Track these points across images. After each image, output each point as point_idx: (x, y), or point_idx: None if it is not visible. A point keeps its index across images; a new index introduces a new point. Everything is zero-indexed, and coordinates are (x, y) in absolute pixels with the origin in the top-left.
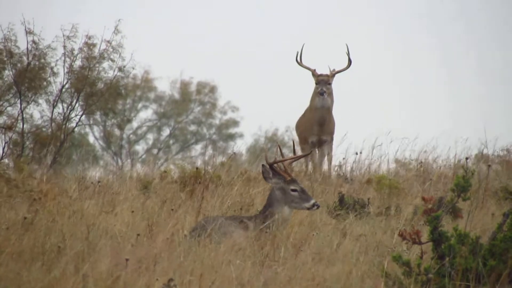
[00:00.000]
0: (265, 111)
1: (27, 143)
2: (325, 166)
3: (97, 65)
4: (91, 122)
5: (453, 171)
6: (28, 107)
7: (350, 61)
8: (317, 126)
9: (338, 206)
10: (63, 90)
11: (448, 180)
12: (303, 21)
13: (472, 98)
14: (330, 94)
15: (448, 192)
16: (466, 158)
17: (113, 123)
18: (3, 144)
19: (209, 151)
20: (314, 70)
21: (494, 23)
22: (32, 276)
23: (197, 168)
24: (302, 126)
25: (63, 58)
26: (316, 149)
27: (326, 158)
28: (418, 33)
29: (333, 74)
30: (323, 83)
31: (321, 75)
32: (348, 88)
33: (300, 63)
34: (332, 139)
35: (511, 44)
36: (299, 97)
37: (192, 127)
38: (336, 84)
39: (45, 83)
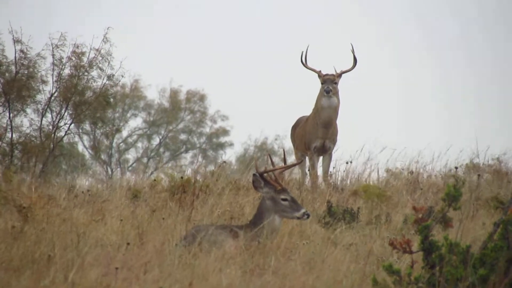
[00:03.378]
0: (254, 120)
1: (16, 152)
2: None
3: (86, 73)
4: (80, 131)
5: (444, 181)
6: (17, 116)
7: (355, 61)
8: (322, 128)
9: (328, 216)
10: (52, 98)
11: (439, 190)
12: (293, 30)
13: (464, 108)
14: (336, 93)
15: (439, 201)
16: (456, 168)
17: (102, 132)
18: None
19: (199, 160)
20: (320, 71)
21: (488, 35)
22: (21, 285)
23: (182, 177)
24: (305, 130)
25: (51, 66)
26: (315, 158)
27: (322, 167)
28: (412, 41)
29: (339, 74)
30: (329, 81)
31: (326, 74)
32: (341, 96)
33: (305, 65)
34: (333, 148)
35: (505, 54)
36: (289, 106)
37: (182, 136)
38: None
39: (33, 92)
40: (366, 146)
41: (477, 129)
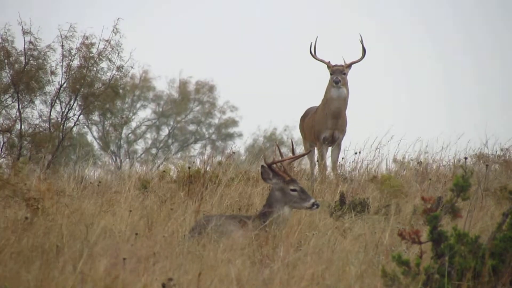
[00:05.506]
0: (263, 110)
1: (25, 143)
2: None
3: (95, 65)
4: (90, 121)
5: (453, 171)
6: (27, 107)
7: (364, 51)
8: (331, 119)
9: (338, 206)
10: (61, 90)
11: (447, 180)
12: (302, 21)
13: (473, 98)
14: (345, 84)
15: (447, 191)
16: (465, 158)
17: (111, 123)
18: (1, 145)
19: (208, 150)
20: (329, 62)
21: (493, 24)
22: (31, 276)
23: (189, 168)
24: (315, 121)
25: (61, 58)
26: (324, 148)
27: (331, 157)
28: (419, 33)
29: (348, 65)
30: (338, 72)
31: (335, 65)
32: (350, 86)
33: (314, 56)
34: (342, 138)
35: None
36: (298, 97)
37: (191, 127)
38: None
39: (42, 83)
40: (375, 137)
41: (486, 119)
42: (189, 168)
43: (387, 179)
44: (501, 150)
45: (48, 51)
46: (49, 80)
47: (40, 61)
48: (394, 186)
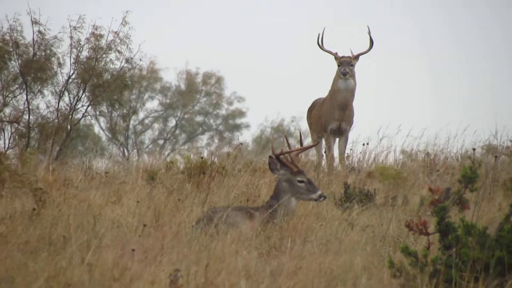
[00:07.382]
0: (271, 101)
1: (33, 134)
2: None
3: (104, 56)
4: (98, 113)
5: (460, 162)
6: (34, 98)
7: (372, 42)
8: (339, 110)
9: (344, 197)
10: (70, 80)
11: (455, 171)
12: (310, 12)
13: (481, 89)
14: (353, 76)
15: (455, 183)
16: (473, 149)
17: (119, 114)
18: (9, 136)
19: (216, 141)
20: (336, 53)
21: (503, 14)
22: (38, 266)
23: (202, 158)
24: (322, 112)
25: (69, 48)
26: (331, 140)
27: (338, 149)
28: (430, 22)
29: (355, 56)
30: (345, 63)
31: (343, 56)
32: (357, 78)
33: (321, 47)
34: (349, 130)
35: None
36: (305, 88)
37: (199, 118)
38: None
39: (51, 73)
40: (383, 128)
41: (494, 110)
42: (201, 158)
43: (384, 170)
44: (510, 141)
45: (56, 42)
46: (56, 71)
47: (49, 51)
48: (394, 176)
